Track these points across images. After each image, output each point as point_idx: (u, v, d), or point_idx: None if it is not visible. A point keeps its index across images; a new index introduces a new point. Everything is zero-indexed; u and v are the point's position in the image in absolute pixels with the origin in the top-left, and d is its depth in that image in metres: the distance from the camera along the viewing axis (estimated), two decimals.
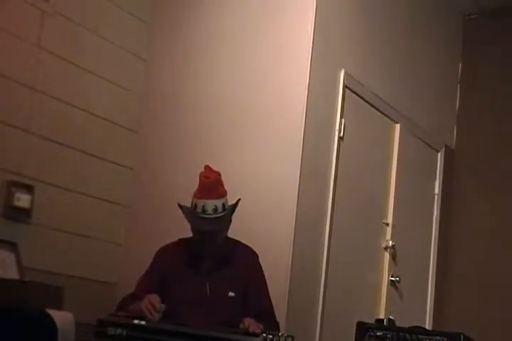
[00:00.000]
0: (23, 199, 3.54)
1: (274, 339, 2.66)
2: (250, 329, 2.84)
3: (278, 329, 3.07)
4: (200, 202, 3.10)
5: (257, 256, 3.28)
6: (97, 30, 4.03)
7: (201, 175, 3.15)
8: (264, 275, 3.26)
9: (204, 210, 3.09)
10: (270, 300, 3.23)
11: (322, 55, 3.90)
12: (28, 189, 3.58)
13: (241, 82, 4.00)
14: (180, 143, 4.12)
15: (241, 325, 2.93)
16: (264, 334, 2.67)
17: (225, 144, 3.96)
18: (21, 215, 3.56)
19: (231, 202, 3.18)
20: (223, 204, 3.12)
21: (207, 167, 3.19)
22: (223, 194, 3.15)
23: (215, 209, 3.09)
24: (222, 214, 3.12)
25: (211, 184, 3.12)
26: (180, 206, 3.18)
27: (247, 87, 3.97)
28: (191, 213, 3.12)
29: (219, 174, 3.18)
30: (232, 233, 3.26)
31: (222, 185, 3.17)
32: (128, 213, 4.16)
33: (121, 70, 4.20)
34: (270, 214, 3.73)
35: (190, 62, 4.21)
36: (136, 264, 3.53)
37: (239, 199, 3.20)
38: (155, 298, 2.98)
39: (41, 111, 3.72)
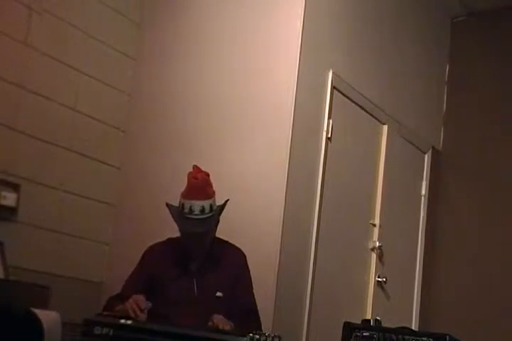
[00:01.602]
0: (9, 198, 3.53)
1: (261, 339, 2.65)
2: (220, 327, 2.84)
3: (260, 329, 3.05)
4: (188, 203, 3.08)
5: (245, 257, 3.27)
6: (85, 28, 4.02)
7: (189, 176, 3.13)
8: (250, 275, 3.25)
9: (191, 211, 3.07)
10: (255, 300, 3.23)
11: (310, 55, 3.90)
12: (15, 187, 3.56)
13: (229, 82, 4.00)
14: (168, 142, 4.11)
15: (210, 323, 2.91)
16: (251, 334, 2.65)
17: (212, 144, 3.96)
18: (7, 214, 3.54)
19: (219, 202, 3.16)
20: (211, 205, 3.10)
21: (195, 167, 3.16)
22: (211, 195, 3.13)
23: (202, 210, 3.07)
24: (210, 215, 3.09)
25: (199, 185, 3.10)
26: (168, 205, 3.16)
27: (236, 87, 3.97)
28: (178, 213, 3.10)
29: (207, 175, 3.16)
30: (220, 233, 3.26)
31: (210, 186, 3.15)
32: (115, 212, 4.15)
33: (110, 69, 4.18)
34: (258, 214, 3.73)
35: (178, 62, 4.21)
36: (123, 263, 3.52)
37: (227, 200, 3.18)
38: (140, 298, 2.96)
39: (28, 110, 3.70)
